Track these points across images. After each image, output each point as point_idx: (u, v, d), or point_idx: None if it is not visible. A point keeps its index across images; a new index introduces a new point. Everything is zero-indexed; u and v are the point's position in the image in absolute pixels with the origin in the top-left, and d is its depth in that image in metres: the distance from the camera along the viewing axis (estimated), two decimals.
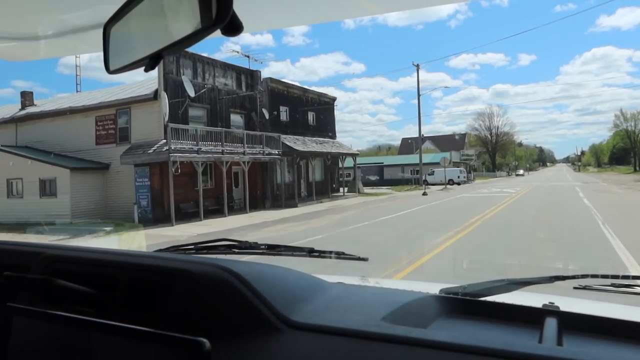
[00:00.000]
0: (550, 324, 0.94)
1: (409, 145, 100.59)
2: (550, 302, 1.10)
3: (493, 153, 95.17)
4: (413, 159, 52.74)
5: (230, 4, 0.59)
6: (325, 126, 31.77)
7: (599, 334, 0.95)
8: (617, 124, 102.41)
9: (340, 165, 31.50)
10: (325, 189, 29.51)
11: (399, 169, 55.81)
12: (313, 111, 30.15)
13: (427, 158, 55.67)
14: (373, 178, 53.33)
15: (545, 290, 1.38)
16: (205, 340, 0.67)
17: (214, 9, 0.59)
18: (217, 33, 0.64)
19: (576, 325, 0.97)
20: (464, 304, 1.11)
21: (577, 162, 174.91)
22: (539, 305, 1.07)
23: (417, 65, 43.07)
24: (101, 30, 0.86)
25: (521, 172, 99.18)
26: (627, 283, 1.31)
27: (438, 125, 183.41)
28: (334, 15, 1.39)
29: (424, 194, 33.07)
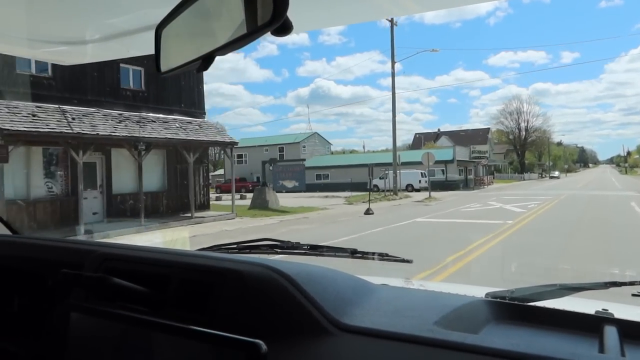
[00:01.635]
0: (611, 332, 0.89)
1: (418, 141, 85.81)
2: (604, 309, 1.05)
3: (522, 151, 78.79)
4: (387, 157, 38.79)
5: (286, 4, 0.59)
6: (172, 95, 18.09)
7: None
8: None
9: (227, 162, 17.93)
10: (171, 205, 16.11)
11: (365, 171, 41.71)
12: (139, 66, 16.63)
13: (416, 156, 41.31)
14: (319, 182, 40.31)
15: (596, 297, 1.27)
16: (261, 342, 0.67)
17: (271, 9, 0.59)
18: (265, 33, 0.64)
19: (636, 333, 0.92)
20: (514, 309, 1.05)
21: (623, 163, 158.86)
22: (591, 311, 1.02)
23: (392, 20, 28.83)
24: (149, 33, 0.87)
25: (556, 174, 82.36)
26: None
27: (475, 124, 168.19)
28: (376, 15, 1.43)
29: (368, 211, 19.33)
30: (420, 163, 34.87)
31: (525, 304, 1.08)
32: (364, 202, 26.72)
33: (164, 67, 0.85)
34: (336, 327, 0.88)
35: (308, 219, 17.69)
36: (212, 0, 0.73)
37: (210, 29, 0.76)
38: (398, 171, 33.90)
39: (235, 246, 1.60)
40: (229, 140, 18.13)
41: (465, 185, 43.38)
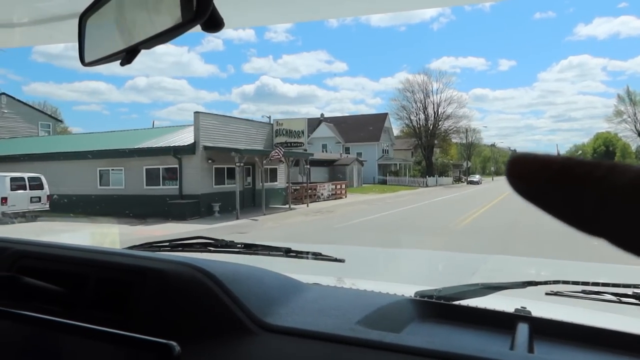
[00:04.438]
0: (522, 329, 0.92)
1: None
2: (522, 307, 1.08)
3: (428, 146, 55.72)
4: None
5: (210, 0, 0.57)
6: None
7: (569, 340, 0.94)
8: (620, 111, 64.88)
9: None
10: None
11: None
12: None
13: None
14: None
15: (518, 295, 1.30)
16: (174, 343, 0.63)
17: (195, 3, 0.56)
18: (198, 28, 0.61)
19: (547, 331, 0.96)
20: (438, 308, 1.07)
21: None
22: (511, 309, 1.06)
23: None
24: (74, 21, 0.82)
25: (476, 178, 60.29)
26: (597, 290, 1.24)
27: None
28: (319, 14, 1.36)
29: None
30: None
31: (450, 302, 1.08)
32: None
33: (87, 57, 0.78)
34: (259, 326, 0.85)
35: None
36: None
37: (136, 21, 0.70)
38: None
39: (167, 244, 1.55)
40: None
41: (242, 205, 18.63)
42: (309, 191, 25.20)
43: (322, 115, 59.83)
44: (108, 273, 0.96)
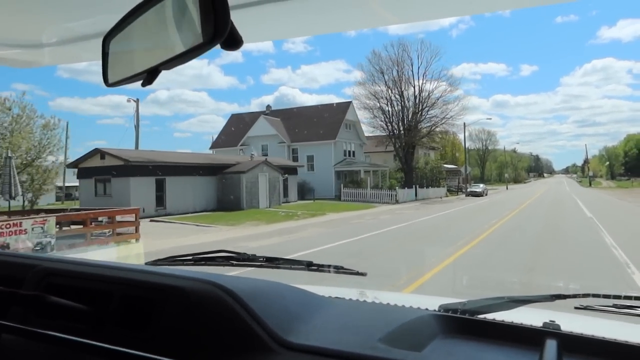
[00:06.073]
0: (550, 346, 0.89)
1: (236, 121, 45.98)
2: (551, 321, 1.05)
3: (406, 146, 39.65)
4: None
5: (228, 19, 0.58)
6: None
7: (599, 357, 0.90)
8: None
9: None
10: None
11: None
12: None
13: None
14: None
15: (547, 307, 1.30)
16: None
17: (213, 24, 0.58)
18: (217, 46, 0.63)
19: (576, 347, 0.93)
20: (462, 323, 1.05)
21: (580, 172, 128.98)
22: (539, 323, 1.03)
23: None
24: (100, 40, 0.83)
25: (479, 188, 44.09)
26: (629, 304, 1.22)
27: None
28: (336, 27, 1.37)
29: None
30: None
31: (474, 317, 1.06)
32: None
33: (111, 78, 0.80)
34: (280, 345, 0.84)
35: None
36: (159, 14, 0.70)
37: (156, 42, 0.73)
38: None
39: (190, 258, 1.55)
40: None
41: None
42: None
43: (268, 107, 44.61)
44: (131, 290, 0.96)
